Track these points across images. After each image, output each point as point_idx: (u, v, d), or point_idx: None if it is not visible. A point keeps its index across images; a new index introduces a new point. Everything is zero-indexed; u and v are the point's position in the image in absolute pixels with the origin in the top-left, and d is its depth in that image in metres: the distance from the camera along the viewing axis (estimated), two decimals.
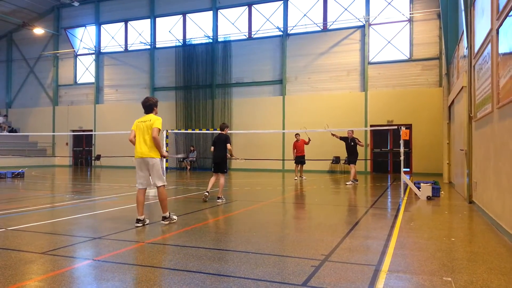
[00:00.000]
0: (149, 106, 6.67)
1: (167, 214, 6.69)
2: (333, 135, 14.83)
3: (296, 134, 16.32)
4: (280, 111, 22.33)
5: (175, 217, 6.86)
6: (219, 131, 9.75)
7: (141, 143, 6.52)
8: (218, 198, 9.49)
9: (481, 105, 7.82)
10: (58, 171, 23.29)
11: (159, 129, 6.47)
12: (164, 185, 6.67)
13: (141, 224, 6.50)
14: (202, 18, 24.82)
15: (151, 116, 6.60)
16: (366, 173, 20.05)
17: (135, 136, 6.60)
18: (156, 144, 6.48)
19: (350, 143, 14.43)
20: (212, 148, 9.68)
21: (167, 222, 6.65)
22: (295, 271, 4.16)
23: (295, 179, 16.10)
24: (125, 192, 11.82)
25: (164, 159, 9.60)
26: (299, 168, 16.36)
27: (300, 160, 16.26)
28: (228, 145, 9.39)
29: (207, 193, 9.43)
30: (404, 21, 20.40)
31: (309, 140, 16.19)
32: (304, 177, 16.34)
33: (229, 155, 9.57)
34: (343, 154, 16.11)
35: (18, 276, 3.97)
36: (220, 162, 9.46)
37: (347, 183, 14.22)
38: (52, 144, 29.08)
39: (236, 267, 4.29)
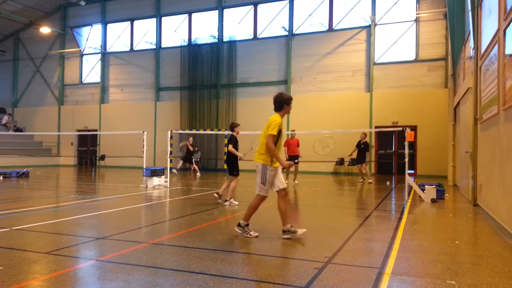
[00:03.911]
0: (278, 103, 5.74)
1: (244, 223, 5.84)
2: (350, 155, 15.70)
3: (292, 130, 15.38)
4: None
5: (253, 233, 5.83)
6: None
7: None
8: (225, 201, 9.10)
9: (487, 107, 7.77)
10: (62, 171, 23.41)
11: (273, 135, 5.55)
12: (260, 196, 5.85)
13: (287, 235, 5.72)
14: (207, 17, 24.85)
15: (271, 117, 5.69)
16: (371, 175, 19.90)
17: None
18: (270, 153, 5.62)
19: (361, 145, 15.26)
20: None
21: (239, 231, 5.83)
22: (298, 273, 4.15)
23: (292, 181, 14.72)
24: (129, 193, 11.85)
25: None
26: (293, 169, 14.77)
27: (292, 160, 14.27)
28: (230, 146, 9.16)
29: (216, 195, 9.18)
30: (410, 21, 20.29)
31: (300, 157, 14.86)
32: (296, 181, 14.80)
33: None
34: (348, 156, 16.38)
35: (22, 276, 4.00)
36: (228, 165, 9.24)
37: (369, 181, 15.38)
38: (57, 143, 29.22)
39: (239, 269, 4.29)
